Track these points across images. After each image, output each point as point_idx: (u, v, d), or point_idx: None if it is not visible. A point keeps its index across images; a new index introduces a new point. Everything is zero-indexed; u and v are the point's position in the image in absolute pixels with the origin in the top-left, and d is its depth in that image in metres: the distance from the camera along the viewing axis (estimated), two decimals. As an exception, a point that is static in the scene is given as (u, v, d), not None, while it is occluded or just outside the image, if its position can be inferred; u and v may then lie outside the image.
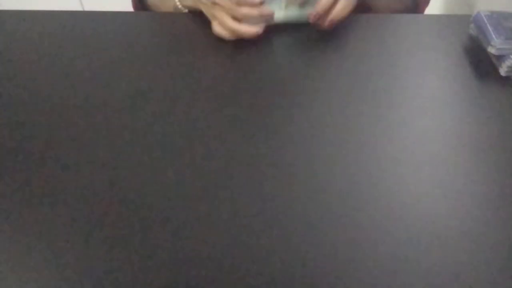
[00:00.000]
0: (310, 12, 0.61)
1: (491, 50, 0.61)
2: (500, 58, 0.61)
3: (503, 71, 0.60)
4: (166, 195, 0.46)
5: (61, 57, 0.68)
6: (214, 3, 0.61)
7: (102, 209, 0.45)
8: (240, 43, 0.64)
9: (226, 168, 0.49)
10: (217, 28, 0.64)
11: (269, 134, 0.53)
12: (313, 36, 0.67)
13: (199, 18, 0.67)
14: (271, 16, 0.63)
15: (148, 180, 0.48)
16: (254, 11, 0.60)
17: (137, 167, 0.49)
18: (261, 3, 0.60)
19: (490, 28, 0.62)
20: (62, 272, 0.40)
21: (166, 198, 0.46)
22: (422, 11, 0.80)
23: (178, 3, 0.70)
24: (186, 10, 0.71)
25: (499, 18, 0.64)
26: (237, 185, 0.47)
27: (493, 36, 0.60)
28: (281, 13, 0.66)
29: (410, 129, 0.53)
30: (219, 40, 0.65)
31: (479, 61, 0.64)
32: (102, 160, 0.50)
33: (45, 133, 0.54)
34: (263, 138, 0.53)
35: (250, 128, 0.54)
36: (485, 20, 0.64)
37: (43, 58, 0.68)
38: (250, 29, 0.62)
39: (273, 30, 0.70)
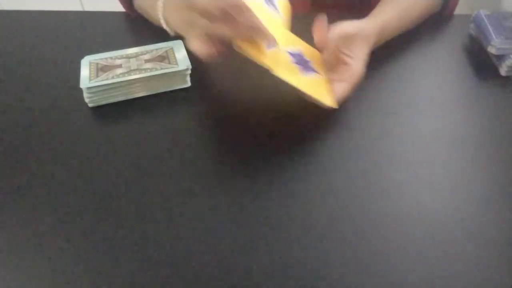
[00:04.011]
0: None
1: (491, 50, 0.61)
2: (500, 58, 0.61)
3: (503, 71, 0.60)
4: (167, 196, 0.46)
5: (61, 57, 0.68)
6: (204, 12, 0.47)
7: (102, 209, 0.45)
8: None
9: (224, 168, 0.49)
10: (196, 43, 0.49)
11: (269, 136, 0.53)
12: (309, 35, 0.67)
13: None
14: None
15: (149, 180, 0.48)
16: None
17: (139, 166, 0.49)
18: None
19: (490, 28, 0.62)
20: (60, 272, 0.40)
21: (167, 199, 0.46)
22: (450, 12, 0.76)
23: (163, 23, 0.60)
24: (173, 33, 0.60)
25: (499, 18, 0.64)
26: (238, 183, 0.47)
27: (493, 36, 0.60)
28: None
29: (409, 129, 0.53)
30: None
31: (479, 61, 0.64)
32: (103, 160, 0.50)
33: (46, 133, 0.54)
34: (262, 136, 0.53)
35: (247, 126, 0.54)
36: (485, 20, 0.64)
37: (43, 58, 0.68)
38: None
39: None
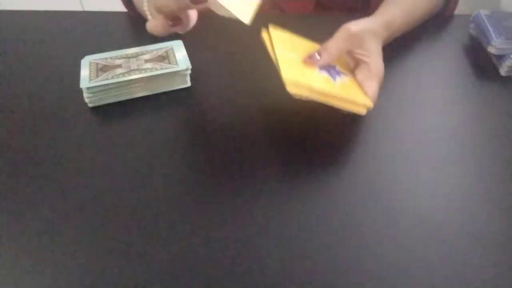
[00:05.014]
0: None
1: (491, 50, 0.61)
2: (500, 58, 0.61)
3: (503, 71, 0.60)
4: (167, 196, 0.46)
5: (61, 57, 0.68)
6: None
7: (102, 209, 0.45)
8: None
9: (224, 169, 0.49)
10: (152, 22, 0.53)
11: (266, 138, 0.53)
12: (313, 35, 0.67)
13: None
14: None
15: (149, 180, 0.48)
16: None
17: (139, 166, 0.49)
18: None
19: (490, 28, 0.62)
20: (60, 272, 0.40)
21: (167, 199, 0.46)
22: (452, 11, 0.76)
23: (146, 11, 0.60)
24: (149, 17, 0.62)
25: (499, 18, 0.64)
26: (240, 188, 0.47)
27: (493, 36, 0.60)
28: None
29: (409, 129, 0.53)
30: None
31: (479, 61, 0.64)
32: (103, 160, 0.50)
33: (45, 133, 0.54)
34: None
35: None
36: (485, 20, 0.64)
37: (43, 58, 0.68)
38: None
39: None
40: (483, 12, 0.66)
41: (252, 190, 0.46)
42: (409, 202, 0.45)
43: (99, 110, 0.57)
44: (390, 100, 0.57)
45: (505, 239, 0.41)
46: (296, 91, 0.47)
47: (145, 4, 0.57)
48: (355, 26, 0.53)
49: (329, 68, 0.53)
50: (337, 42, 0.52)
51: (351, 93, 0.50)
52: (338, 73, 0.53)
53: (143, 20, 0.58)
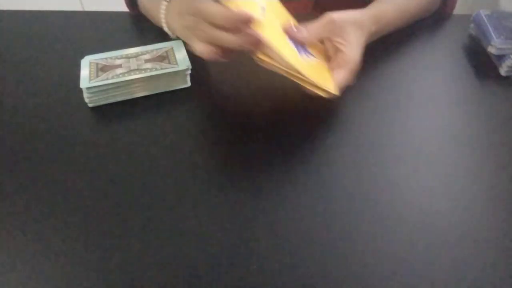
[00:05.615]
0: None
1: (491, 50, 0.61)
2: (500, 58, 0.61)
3: (503, 71, 0.60)
4: (167, 196, 0.46)
5: (61, 57, 0.68)
6: (198, 13, 0.50)
7: (102, 209, 0.45)
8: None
9: (224, 169, 0.49)
10: (199, 46, 0.51)
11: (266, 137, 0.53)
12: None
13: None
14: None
15: (149, 180, 0.48)
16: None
17: (139, 166, 0.49)
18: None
19: (490, 28, 0.62)
20: (60, 272, 0.40)
21: (166, 199, 0.46)
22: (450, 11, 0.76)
23: (164, 26, 0.64)
24: (175, 37, 0.64)
25: (499, 18, 0.64)
26: (236, 183, 0.47)
27: (493, 36, 0.60)
28: None
29: (409, 129, 0.53)
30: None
31: (479, 61, 0.64)
32: (103, 160, 0.50)
33: (46, 132, 0.54)
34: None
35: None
36: (485, 20, 0.64)
37: (43, 58, 0.68)
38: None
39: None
40: (483, 12, 0.66)
41: (252, 190, 0.46)
42: (407, 203, 0.45)
43: (99, 110, 0.57)
44: (390, 100, 0.57)
45: (505, 241, 0.41)
46: (263, 57, 0.48)
47: (162, 17, 0.57)
48: (338, 15, 0.54)
49: (297, 44, 0.53)
50: (317, 26, 0.53)
51: (315, 75, 0.50)
52: (305, 51, 0.53)
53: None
